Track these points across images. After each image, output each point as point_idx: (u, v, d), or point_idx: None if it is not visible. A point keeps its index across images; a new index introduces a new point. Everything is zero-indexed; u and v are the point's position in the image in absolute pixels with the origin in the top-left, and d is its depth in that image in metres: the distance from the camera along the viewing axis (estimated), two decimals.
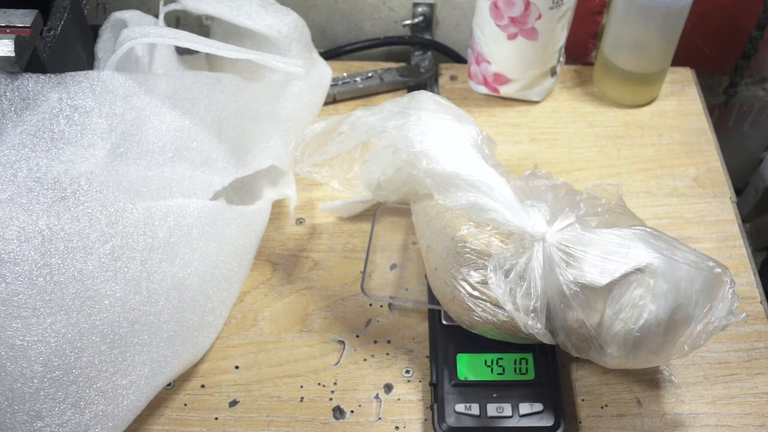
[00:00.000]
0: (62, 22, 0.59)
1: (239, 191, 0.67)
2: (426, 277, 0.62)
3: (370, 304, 0.64)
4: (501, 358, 0.58)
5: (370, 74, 0.81)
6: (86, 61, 0.65)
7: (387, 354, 0.61)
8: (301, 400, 0.59)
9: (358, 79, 0.81)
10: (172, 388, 0.59)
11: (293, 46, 0.68)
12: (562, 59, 0.79)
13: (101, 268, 0.51)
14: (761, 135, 1.00)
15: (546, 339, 0.52)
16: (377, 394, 0.59)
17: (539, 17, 0.71)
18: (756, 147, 1.01)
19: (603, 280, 0.49)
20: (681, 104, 0.81)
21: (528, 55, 0.75)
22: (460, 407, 0.55)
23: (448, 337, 0.59)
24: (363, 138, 0.59)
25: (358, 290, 0.65)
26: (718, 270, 0.50)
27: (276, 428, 0.57)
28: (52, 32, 0.58)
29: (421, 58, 0.84)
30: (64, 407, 0.50)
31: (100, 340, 0.50)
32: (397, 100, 0.58)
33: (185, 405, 0.58)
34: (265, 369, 0.60)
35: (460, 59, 0.87)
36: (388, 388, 0.59)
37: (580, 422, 0.57)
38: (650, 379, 0.60)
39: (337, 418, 0.58)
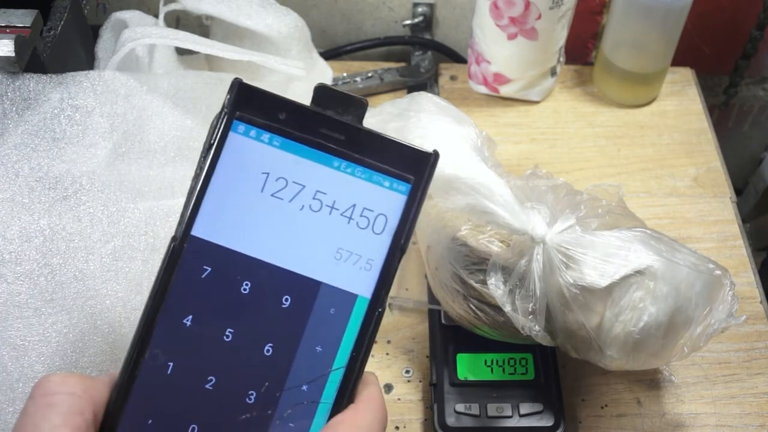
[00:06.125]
0: (62, 22, 0.59)
1: None
2: (426, 277, 0.62)
3: None
4: (501, 358, 0.58)
5: (370, 74, 0.81)
6: (86, 61, 0.65)
7: (387, 354, 0.61)
8: None
9: (358, 79, 0.81)
10: None
11: (293, 47, 0.68)
12: (562, 59, 0.79)
13: (103, 267, 0.51)
14: (761, 135, 1.00)
15: (545, 341, 0.52)
16: None
17: (539, 17, 0.71)
18: (756, 147, 1.02)
19: (603, 282, 0.49)
20: (681, 104, 0.81)
21: (528, 55, 0.75)
22: (460, 407, 0.55)
23: (448, 337, 0.59)
24: None
25: None
26: (718, 272, 0.50)
27: None
28: (52, 32, 0.58)
29: (421, 58, 0.84)
30: None
31: (102, 340, 0.51)
32: (397, 102, 0.58)
33: None
34: None
35: (460, 59, 0.87)
36: (388, 388, 0.60)
37: (580, 422, 0.58)
38: (650, 379, 0.60)
39: None
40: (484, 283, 0.53)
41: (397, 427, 0.57)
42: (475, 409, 0.55)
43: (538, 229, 0.51)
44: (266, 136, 0.34)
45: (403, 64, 0.83)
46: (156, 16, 0.67)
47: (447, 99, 0.59)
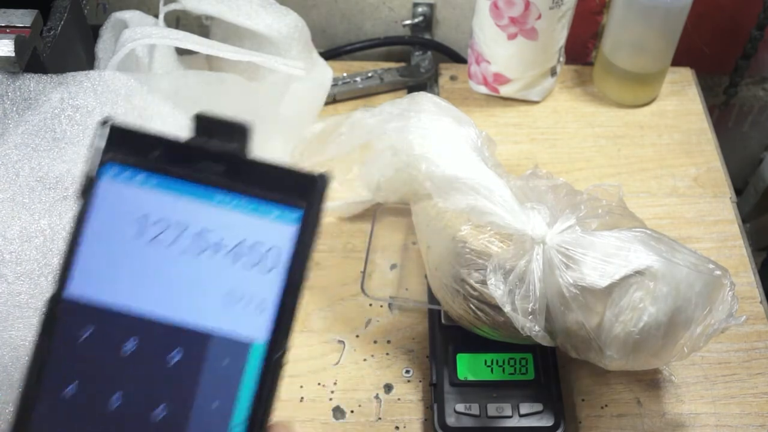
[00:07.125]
0: (62, 22, 0.59)
1: None
2: (426, 277, 0.62)
3: (370, 304, 0.64)
4: (501, 358, 0.58)
5: (370, 74, 0.81)
6: (86, 61, 0.65)
7: (387, 354, 0.61)
8: (301, 400, 0.59)
9: (358, 79, 0.81)
10: None
11: (293, 47, 0.68)
12: (562, 59, 0.79)
13: None
14: (761, 135, 1.00)
15: (544, 341, 0.52)
16: (377, 394, 0.59)
17: (539, 17, 0.71)
18: (756, 147, 1.02)
19: (603, 282, 0.49)
20: (681, 104, 0.81)
21: (528, 55, 0.75)
22: (460, 407, 0.55)
23: (448, 337, 0.59)
24: (362, 140, 0.59)
25: (358, 290, 0.65)
26: (718, 272, 0.50)
27: None
28: (52, 32, 0.58)
29: (421, 58, 0.84)
30: None
31: None
32: (397, 102, 0.58)
33: None
34: None
35: (460, 59, 0.87)
36: (388, 388, 0.60)
37: (580, 422, 0.58)
38: (650, 379, 0.60)
39: (337, 418, 0.58)
40: (484, 283, 0.53)
41: (397, 427, 0.57)
42: (475, 409, 0.55)
43: (538, 229, 0.51)
44: (141, 176, 0.31)
45: (403, 64, 0.83)
46: (156, 16, 0.67)
47: (447, 99, 0.60)
